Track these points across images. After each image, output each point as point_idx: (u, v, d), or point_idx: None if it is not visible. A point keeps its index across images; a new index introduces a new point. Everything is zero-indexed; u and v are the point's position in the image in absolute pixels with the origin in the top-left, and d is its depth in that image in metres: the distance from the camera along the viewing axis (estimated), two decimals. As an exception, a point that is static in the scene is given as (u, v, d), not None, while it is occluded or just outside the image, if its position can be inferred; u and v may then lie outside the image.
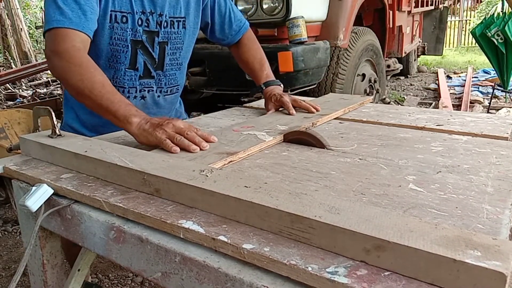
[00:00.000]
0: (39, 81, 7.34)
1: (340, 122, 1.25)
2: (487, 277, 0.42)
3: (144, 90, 1.32)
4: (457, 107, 4.90)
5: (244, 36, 1.50)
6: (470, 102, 5.03)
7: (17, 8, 9.14)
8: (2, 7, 8.62)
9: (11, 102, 5.88)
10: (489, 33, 4.72)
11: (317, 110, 1.30)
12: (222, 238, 0.56)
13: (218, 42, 1.53)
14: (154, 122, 0.97)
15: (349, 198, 0.69)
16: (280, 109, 1.35)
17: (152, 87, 1.33)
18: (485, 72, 7.07)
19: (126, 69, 1.27)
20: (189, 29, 1.35)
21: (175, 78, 1.38)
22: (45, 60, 7.52)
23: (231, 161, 0.87)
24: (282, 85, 1.45)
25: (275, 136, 1.01)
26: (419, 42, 6.69)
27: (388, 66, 4.99)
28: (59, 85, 6.29)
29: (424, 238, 0.48)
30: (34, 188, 0.77)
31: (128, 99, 1.25)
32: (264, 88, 1.42)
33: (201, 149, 0.93)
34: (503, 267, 0.42)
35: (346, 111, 1.36)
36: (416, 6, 5.39)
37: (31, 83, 7.24)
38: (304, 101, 1.34)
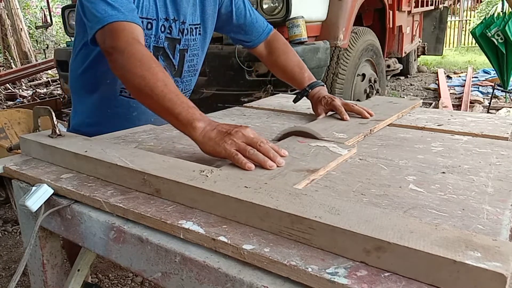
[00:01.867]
0: (39, 81, 7.34)
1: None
2: (487, 278, 0.42)
3: None
4: (457, 107, 4.90)
5: (273, 39, 1.44)
6: (470, 102, 5.03)
7: (17, 8, 9.13)
8: (2, 7, 8.62)
9: (11, 102, 5.88)
10: (489, 33, 4.72)
11: (371, 115, 1.22)
12: (222, 238, 0.56)
13: (243, 45, 1.47)
14: (221, 129, 0.86)
15: (349, 198, 0.69)
16: (330, 113, 1.26)
17: None
18: (485, 72, 7.07)
19: None
20: (204, 35, 1.36)
21: (190, 84, 1.40)
22: (45, 60, 7.53)
23: (313, 180, 0.76)
24: (325, 85, 1.39)
25: (350, 149, 0.90)
26: (419, 42, 6.69)
27: (388, 66, 4.99)
28: (59, 85, 6.29)
29: (424, 239, 0.48)
30: (34, 188, 0.77)
31: None
32: (309, 90, 1.34)
33: (276, 162, 0.81)
34: (503, 268, 0.42)
35: (399, 116, 1.28)
36: (416, 6, 5.39)
37: (31, 83, 7.24)
38: (356, 104, 1.25)
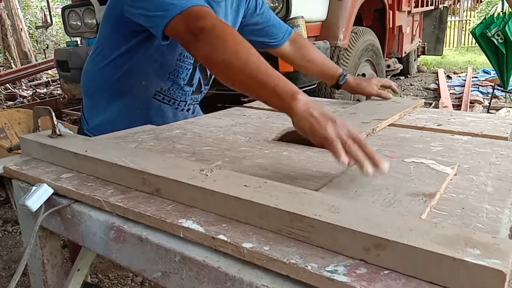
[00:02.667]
0: (39, 81, 7.35)
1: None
2: (486, 275, 0.42)
3: (192, 104, 1.39)
4: (457, 107, 4.90)
5: (297, 37, 1.53)
6: (470, 102, 5.03)
7: (17, 8, 9.15)
8: (2, 7, 8.62)
9: (11, 102, 5.89)
10: (489, 33, 4.72)
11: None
12: (221, 237, 0.56)
13: (268, 46, 1.50)
14: (325, 112, 0.78)
15: (349, 197, 0.69)
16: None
17: (198, 101, 1.40)
18: (485, 72, 7.07)
19: (184, 85, 1.30)
20: None
21: (205, 93, 1.44)
22: (45, 60, 7.53)
23: (432, 205, 0.65)
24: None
25: (453, 167, 0.79)
26: (419, 42, 6.69)
27: (388, 66, 4.99)
28: (59, 85, 6.29)
29: (423, 237, 0.48)
30: (34, 188, 0.77)
31: (176, 110, 1.34)
32: (347, 75, 1.48)
33: (377, 169, 0.69)
34: (503, 265, 0.42)
35: (401, 115, 1.28)
36: (416, 6, 5.39)
37: (31, 83, 7.24)
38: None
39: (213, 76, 1.36)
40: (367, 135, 1.06)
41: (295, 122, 0.80)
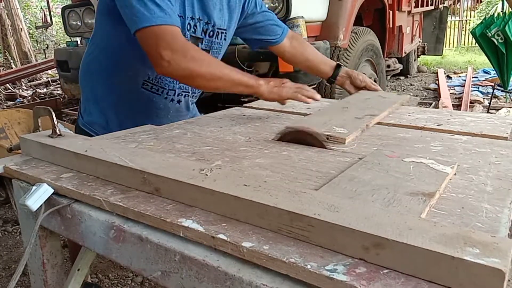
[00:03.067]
0: (39, 81, 7.35)
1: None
2: (486, 274, 0.42)
3: (181, 95, 1.39)
4: (457, 107, 4.90)
5: (294, 34, 1.60)
6: (470, 102, 5.03)
7: (17, 8, 9.15)
8: (2, 7, 8.62)
9: (11, 102, 5.89)
10: (489, 33, 4.72)
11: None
12: (221, 236, 0.57)
13: (267, 44, 1.54)
14: (275, 83, 1.21)
15: (349, 196, 0.69)
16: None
17: (188, 92, 1.40)
18: (485, 72, 7.07)
19: None
20: (227, 40, 1.42)
21: None
22: (45, 60, 7.52)
23: (431, 205, 0.66)
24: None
25: (453, 166, 0.79)
26: (419, 42, 6.69)
27: (388, 66, 4.99)
28: (59, 85, 6.29)
29: (423, 236, 0.48)
30: (34, 187, 0.77)
31: (165, 100, 1.35)
32: (341, 67, 1.58)
33: (315, 99, 1.23)
34: (502, 264, 0.42)
35: (391, 110, 1.33)
36: (416, 6, 5.39)
37: (31, 83, 7.24)
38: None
39: None
40: (362, 131, 1.09)
41: (266, 99, 1.22)
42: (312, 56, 1.59)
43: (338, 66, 1.58)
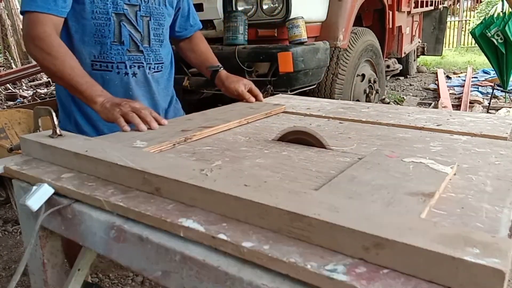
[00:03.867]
0: (40, 81, 7.34)
1: (340, 122, 1.25)
2: (486, 274, 0.42)
3: (134, 66, 1.37)
4: (457, 107, 4.91)
5: (200, 35, 1.65)
6: (470, 102, 5.03)
7: (17, 8, 9.13)
8: (2, 7, 8.62)
9: (12, 102, 5.88)
10: (489, 33, 4.73)
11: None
12: (222, 236, 0.57)
13: (173, 34, 1.58)
14: (115, 101, 1.12)
15: (349, 197, 0.69)
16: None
17: (142, 63, 1.38)
18: (485, 72, 7.07)
19: (112, 43, 1.31)
20: (169, 8, 1.44)
21: (159, 54, 1.44)
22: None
23: (431, 205, 0.66)
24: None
25: (452, 166, 0.79)
26: (419, 42, 6.69)
27: (388, 66, 4.99)
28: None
29: (423, 236, 0.48)
30: (34, 187, 0.77)
31: (119, 75, 1.35)
32: (221, 68, 1.56)
33: (150, 128, 1.08)
34: (502, 264, 0.42)
35: (241, 122, 1.23)
36: (416, 7, 5.39)
37: (32, 83, 7.24)
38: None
39: (152, 36, 1.39)
40: (179, 142, 1.02)
41: (101, 117, 1.14)
42: (198, 52, 1.62)
43: (215, 71, 1.55)
